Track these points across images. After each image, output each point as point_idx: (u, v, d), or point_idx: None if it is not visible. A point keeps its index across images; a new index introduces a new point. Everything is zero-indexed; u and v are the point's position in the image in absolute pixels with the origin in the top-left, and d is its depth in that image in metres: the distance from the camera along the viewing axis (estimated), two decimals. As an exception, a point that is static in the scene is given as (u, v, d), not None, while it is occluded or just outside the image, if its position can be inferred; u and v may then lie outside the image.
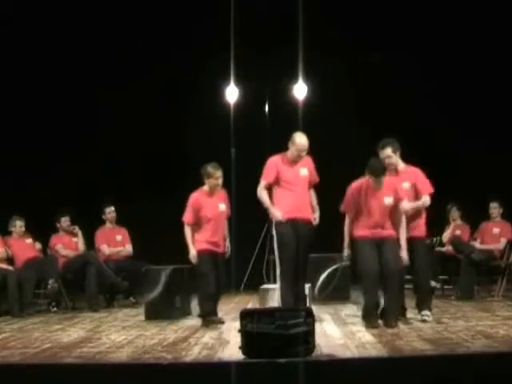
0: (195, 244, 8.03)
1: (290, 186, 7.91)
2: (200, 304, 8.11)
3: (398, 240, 7.69)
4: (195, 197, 8.09)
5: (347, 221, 7.84)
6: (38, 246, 10.46)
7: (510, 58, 11.86)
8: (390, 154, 7.79)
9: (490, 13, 11.68)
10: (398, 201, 7.68)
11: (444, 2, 11.72)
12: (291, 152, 7.95)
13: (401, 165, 7.88)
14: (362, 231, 7.72)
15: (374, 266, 7.59)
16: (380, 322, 7.59)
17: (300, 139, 7.94)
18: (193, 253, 8.00)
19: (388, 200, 7.68)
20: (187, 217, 8.06)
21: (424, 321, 7.59)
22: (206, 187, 8.10)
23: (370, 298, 7.64)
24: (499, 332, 6.89)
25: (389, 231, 7.73)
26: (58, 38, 11.82)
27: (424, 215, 7.91)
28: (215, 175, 8.01)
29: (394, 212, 7.71)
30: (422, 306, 7.79)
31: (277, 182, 7.92)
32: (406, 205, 7.71)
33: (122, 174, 12.28)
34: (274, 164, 7.96)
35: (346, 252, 7.85)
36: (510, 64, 11.84)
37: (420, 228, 7.86)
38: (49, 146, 12.20)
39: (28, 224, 10.37)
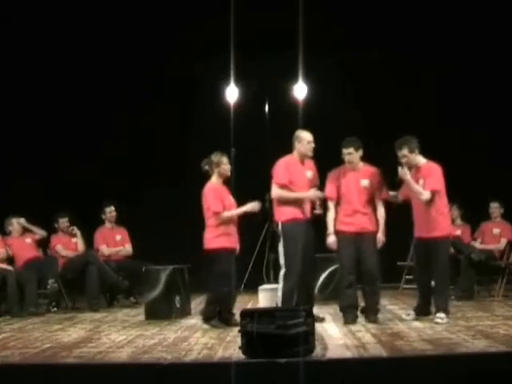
0: (215, 240, 7.83)
1: (298, 190, 7.96)
2: (208, 305, 7.96)
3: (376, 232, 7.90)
4: (214, 187, 7.91)
5: (331, 208, 7.97)
6: (41, 233, 10.38)
7: (509, 57, 11.86)
8: (406, 154, 7.80)
9: (491, 12, 11.68)
10: (375, 186, 7.88)
11: (444, 2, 11.72)
12: (299, 150, 7.99)
13: (421, 162, 7.87)
14: (341, 224, 7.92)
15: (350, 269, 7.87)
16: (360, 318, 7.89)
17: (306, 133, 8.04)
18: (246, 207, 7.91)
19: (364, 182, 7.87)
20: (217, 206, 7.81)
21: (436, 323, 7.55)
22: (215, 180, 7.96)
23: (346, 298, 7.88)
24: (499, 332, 6.89)
25: (368, 223, 7.87)
26: (54, 37, 11.81)
27: (445, 214, 7.88)
28: (224, 161, 7.94)
29: (372, 199, 7.90)
30: (436, 307, 7.78)
31: (288, 184, 7.94)
32: (405, 171, 7.72)
33: (122, 173, 12.27)
34: (285, 166, 7.98)
35: (331, 239, 7.92)
36: (510, 63, 11.85)
37: (440, 227, 7.79)
38: (48, 145, 12.19)
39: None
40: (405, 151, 7.79)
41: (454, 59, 11.98)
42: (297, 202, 7.92)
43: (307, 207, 7.99)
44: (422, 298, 7.98)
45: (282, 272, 7.93)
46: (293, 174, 7.94)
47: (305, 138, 8.00)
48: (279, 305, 7.90)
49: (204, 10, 11.63)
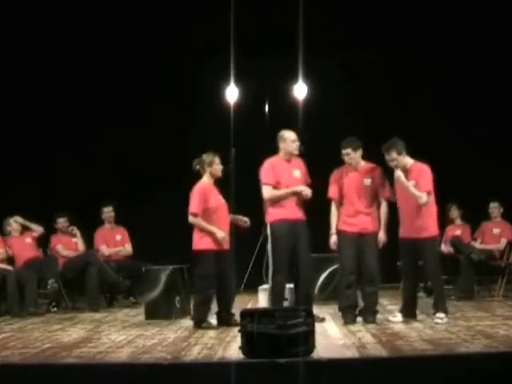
0: (200, 241, 7.85)
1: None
2: (195, 308, 8.02)
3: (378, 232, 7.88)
4: (203, 187, 7.90)
5: (333, 208, 7.98)
6: (39, 229, 10.37)
7: (509, 57, 11.87)
8: (394, 157, 7.78)
9: (491, 12, 11.68)
10: (377, 185, 7.86)
11: (444, 2, 11.72)
12: (285, 150, 8.00)
13: (409, 162, 7.85)
14: (344, 224, 7.90)
15: (351, 269, 7.84)
16: (359, 318, 7.85)
17: (289, 132, 8.05)
18: (221, 234, 7.78)
19: (367, 181, 7.87)
20: (195, 207, 7.81)
21: (436, 323, 7.53)
22: (206, 179, 7.97)
23: (345, 298, 7.85)
24: (499, 332, 6.89)
25: (371, 223, 7.85)
26: (55, 38, 11.82)
27: (433, 215, 7.85)
28: (216, 160, 7.96)
29: (375, 198, 7.88)
30: (435, 308, 7.76)
31: (276, 184, 7.96)
32: (401, 174, 7.69)
33: (122, 173, 12.28)
34: (271, 167, 8.00)
35: (333, 239, 7.93)
36: (510, 63, 11.86)
37: (430, 228, 7.79)
38: (48, 145, 12.20)
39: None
40: (393, 154, 7.77)
41: (454, 59, 11.98)
42: (287, 203, 7.92)
43: (298, 207, 7.99)
44: (408, 299, 7.96)
45: (271, 272, 7.95)
46: (279, 174, 7.97)
47: (289, 137, 8.02)
48: (268, 304, 7.94)
49: (204, 10, 11.63)
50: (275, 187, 7.95)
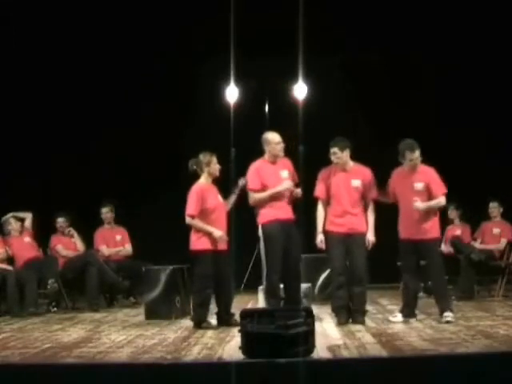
0: (197, 241, 7.86)
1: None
2: (194, 309, 8.03)
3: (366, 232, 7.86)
4: (201, 188, 7.89)
5: (320, 207, 7.95)
6: (28, 215, 10.37)
7: (509, 57, 11.87)
8: (418, 155, 7.78)
9: (491, 12, 11.68)
10: (366, 187, 7.82)
11: (444, 2, 11.72)
12: (269, 152, 8.00)
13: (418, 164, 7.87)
14: (331, 224, 7.87)
15: (340, 269, 7.83)
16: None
17: (273, 135, 8.03)
18: (218, 233, 7.78)
19: (355, 183, 7.83)
20: (192, 209, 7.81)
21: (448, 322, 7.52)
22: (204, 180, 7.97)
23: (337, 299, 7.85)
24: (499, 332, 6.90)
25: (358, 224, 7.83)
26: (54, 38, 11.82)
27: (436, 216, 7.88)
28: (214, 160, 7.95)
29: (362, 199, 7.85)
30: (441, 308, 7.76)
31: (263, 188, 7.94)
32: (420, 205, 7.71)
33: (122, 173, 12.28)
34: (255, 171, 7.98)
35: (319, 238, 7.89)
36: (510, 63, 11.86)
37: (434, 229, 7.82)
38: (48, 145, 12.20)
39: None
40: (418, 152, 7.78)
41: (454, 59, 11.98)
42: (277, 203, 7.90)
43: (287, 207, 7.98)
44: (408, 299, 7.94)
45: (265, 272, 7.95)
46: (265, 178, 7.93)
47: (273, 140, 8.01)
48: (264, 304, 7.95)
49: (204, 10, 11.63)
50: (262, 191, 7.93)
